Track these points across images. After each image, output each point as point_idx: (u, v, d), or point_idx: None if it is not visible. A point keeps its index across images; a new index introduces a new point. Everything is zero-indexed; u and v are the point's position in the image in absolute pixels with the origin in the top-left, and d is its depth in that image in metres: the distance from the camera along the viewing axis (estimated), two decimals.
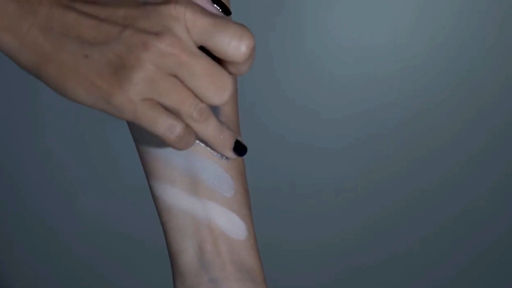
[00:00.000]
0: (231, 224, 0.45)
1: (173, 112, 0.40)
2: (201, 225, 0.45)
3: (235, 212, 0.46)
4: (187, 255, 0.45)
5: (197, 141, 0.45)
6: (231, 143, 0.44)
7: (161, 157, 0.46)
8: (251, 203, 0.48)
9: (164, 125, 0.40)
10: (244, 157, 0.47)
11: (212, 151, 0.45)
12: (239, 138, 0.44)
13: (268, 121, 1.20)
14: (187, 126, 0.41)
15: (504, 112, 1.19)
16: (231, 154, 0.44)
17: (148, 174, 0.47)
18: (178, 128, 0.40)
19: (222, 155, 0.45)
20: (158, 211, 0.46)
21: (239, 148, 0.44)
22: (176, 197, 0.46)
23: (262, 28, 1.15)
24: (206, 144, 0.45)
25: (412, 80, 1.18)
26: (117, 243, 1.25)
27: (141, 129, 0.44)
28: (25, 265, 1.27)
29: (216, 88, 0.40)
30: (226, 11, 0.42)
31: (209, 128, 0.42)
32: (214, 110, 0.45)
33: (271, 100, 1.20)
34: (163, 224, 0.46)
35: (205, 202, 0.45)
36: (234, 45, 0.39)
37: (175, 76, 0.39)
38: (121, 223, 1.24)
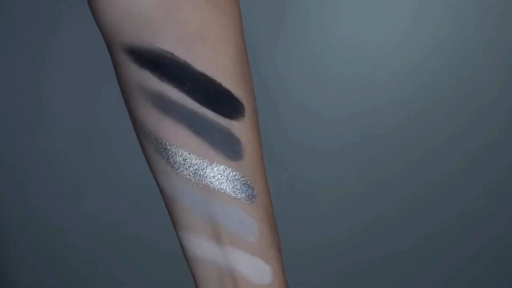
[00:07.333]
0: (254, 269, 0.44)
1: None
2: (225, 276, 0.44)
3: (259, 256, 0.44)
4: None
5: (219, 188, 0.43)
6: None
7: (184, 205, 0.44)
8: None
9: None
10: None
11: (236, 196, 0.44)
12: None
13: (268, 121, 1.20)
14: None
15: (504, 112, 1.19)
16: None
17: (174, 224, 0.45)
18: None
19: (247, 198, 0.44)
20: (187, 262, 0.45)
21: None
22: (201, 247, 0.44)
23: (262, 26, 1.15)
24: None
25: (412, 80, 1.18)
26: (120, 242, 1.25)
27: (164, 176, 0.44)
28: (28, 264, 1.27)
29: None
30: None
31: None
32: None
33: (271, 100, 1.20)
34: (192, 276, 0.45)
35: (227, 250, 0.44)
36: None
37: None
38: (125, 222, 1.24)
